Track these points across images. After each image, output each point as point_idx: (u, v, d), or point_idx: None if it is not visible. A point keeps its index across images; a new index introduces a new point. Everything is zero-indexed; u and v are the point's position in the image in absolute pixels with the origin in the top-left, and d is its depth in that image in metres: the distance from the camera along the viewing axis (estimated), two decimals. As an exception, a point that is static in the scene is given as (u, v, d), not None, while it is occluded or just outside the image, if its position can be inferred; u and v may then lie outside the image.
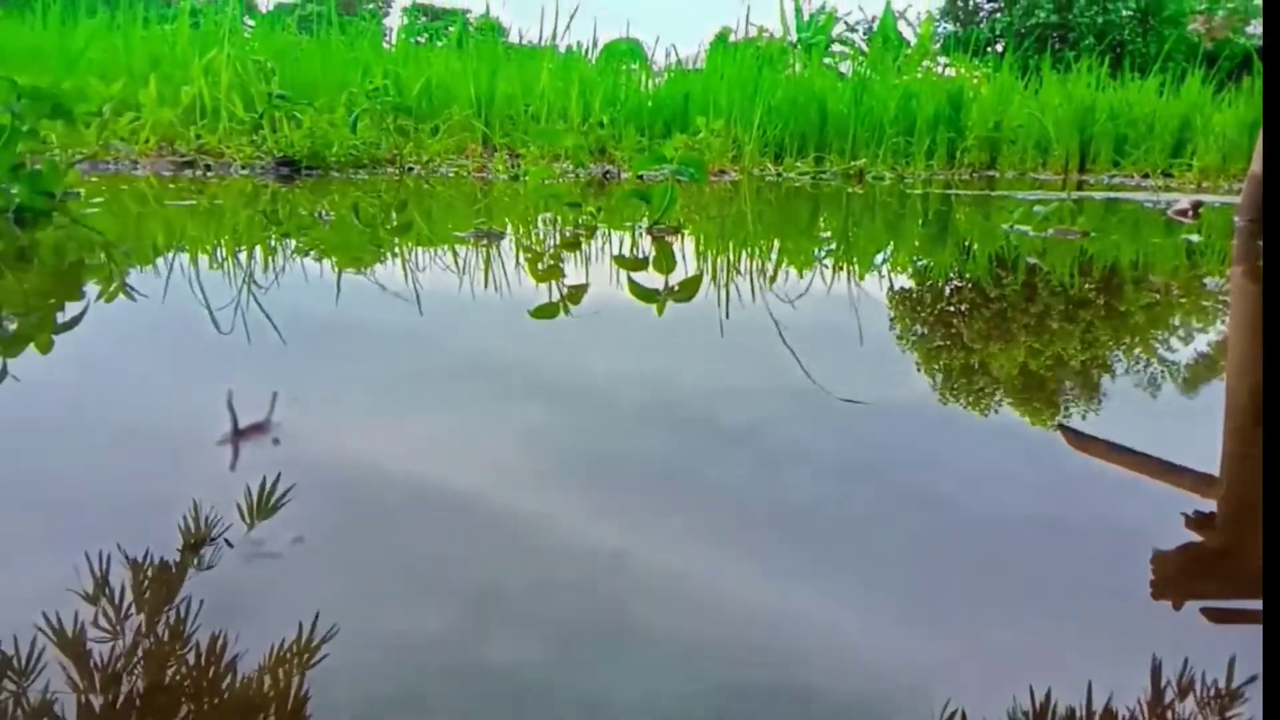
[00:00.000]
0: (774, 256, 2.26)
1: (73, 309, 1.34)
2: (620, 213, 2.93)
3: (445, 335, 1.33)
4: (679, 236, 2.36)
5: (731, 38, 6.88)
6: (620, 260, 2.00)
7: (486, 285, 1.64)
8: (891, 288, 1.86)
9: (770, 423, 0.95)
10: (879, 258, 2.36)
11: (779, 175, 5.24)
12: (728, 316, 1.46)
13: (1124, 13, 12.67)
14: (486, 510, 0.70)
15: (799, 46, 7.51)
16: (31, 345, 1.12)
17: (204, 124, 4.23)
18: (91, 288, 1.49)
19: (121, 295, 1.43)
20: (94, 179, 3.18)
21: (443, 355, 1.20)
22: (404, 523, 0.68)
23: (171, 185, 3.18)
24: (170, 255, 1.87)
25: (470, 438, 0.88)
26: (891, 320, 1.55)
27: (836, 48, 8.54)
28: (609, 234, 2.40)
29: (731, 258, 2.19)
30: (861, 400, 1.03)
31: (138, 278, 1.59)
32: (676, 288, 1.68)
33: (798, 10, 8.07)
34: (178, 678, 0.49)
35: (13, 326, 1.23)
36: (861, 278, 1.96)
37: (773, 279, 1.88)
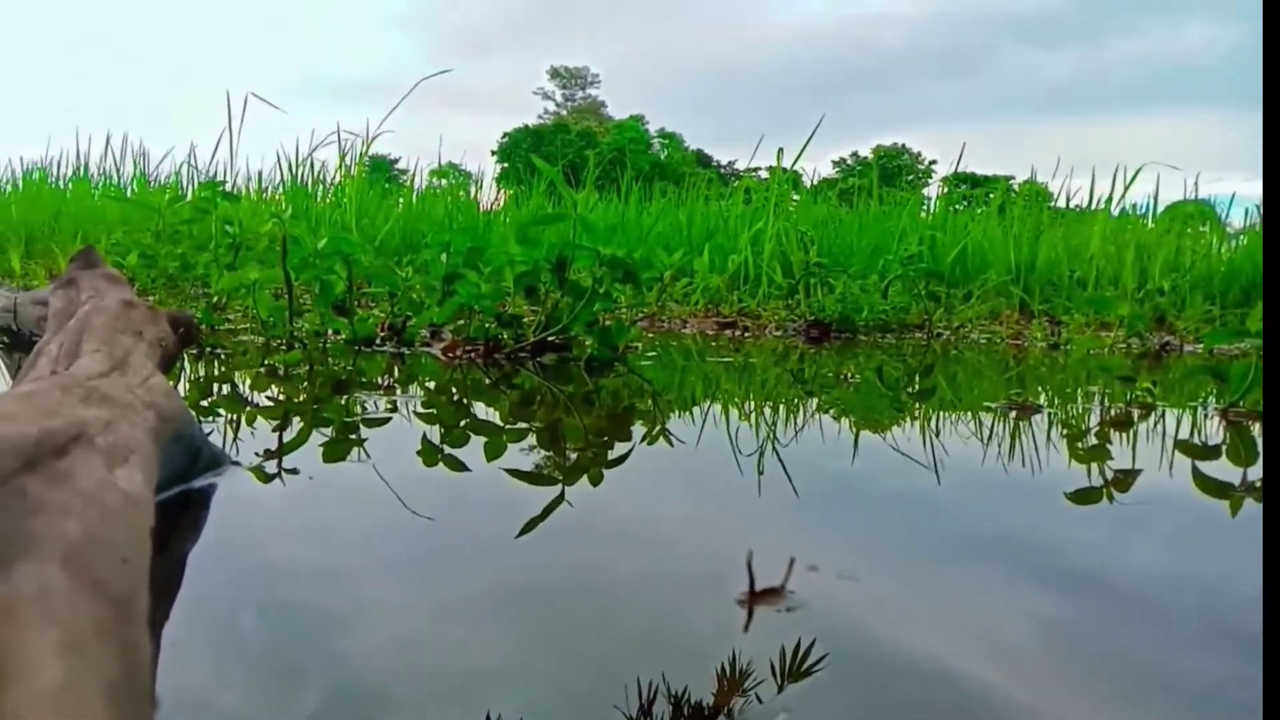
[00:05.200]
0: None
1: (621, 448, 1.47)
2: (1183, 390, 2.54)
3: (968, 510, 1.21)
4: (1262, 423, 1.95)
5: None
6: (1184, 446, 1.70)
7: (1017, 460, 1.48)
8: None
9: None
10: None
11: (1403, 355, 4.21)
12: (1341, 526, 1.13)
13: None
14: (1002, 708, 0.58)
15: None
16: (585, 476, 1.23)
17: (746, 289, 4.63)
18: (638, 429, 1.63)
19: (662, 440, 1.54)
20: (650, 335, 3.60)
21: (963, 532, 1.08)
22: (908, 706, 0.58)
23: (713, 343, 3.48)
24: (705, 406, 2.00)
25: (989, 624, 0.75)
26: None
27: None
28: (1168, 414, 2.08)
29: (1342, 453, 1.75)
30: None
31: (677, 424, 1.71)
32: (1259, 484, 1.36)
33: None
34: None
35: (574, 457, 1.38)
36: None
37: None
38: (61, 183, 7.30)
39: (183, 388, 1.81)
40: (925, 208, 6.22)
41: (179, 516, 0.93)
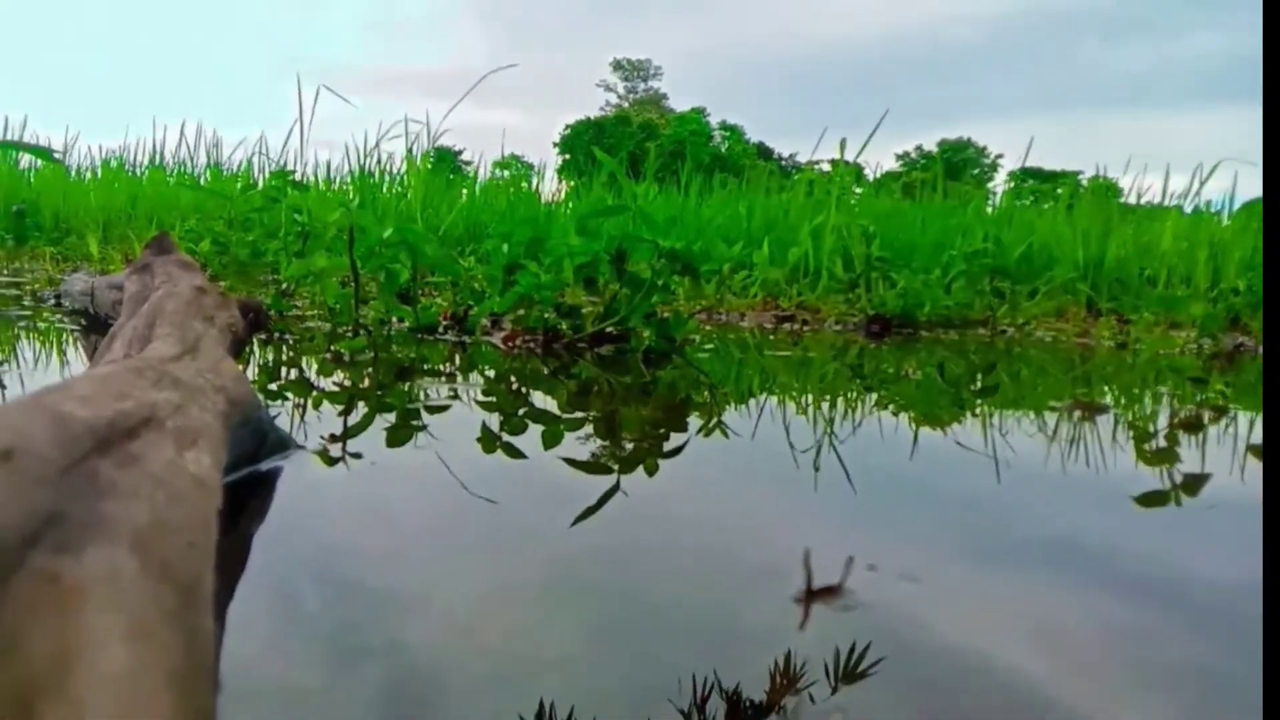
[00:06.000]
0: None
1: (677, 439, 1.47)
2: (1258, 393, 2.46)
3: (1032, 511, 1.18)
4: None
5: None
6: (1258, 450, 1.64)
7: (1082, 461, 1.44)
8: None
9: None
10: None
11: None
12: None
13: None
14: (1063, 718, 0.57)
15: None
16: (640, 467, 1.24)
17: (805, 282, 4.59)
18: (694, 421, 1.62)
19: (718, 432, 1.53)
20: (708, 328, 3.59)
21: (1027, 533, 1.06)
22: (968, 712, 0.57)
23: (771, 336, 3.46)
24: (762, 399, 1.99)
25: (1052, 629, 0.74)
26: None
27: None
28: (1240, 417, 2.01)
29: None
30: None
31: (733, 417, 1.70)
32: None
33: None
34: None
35: (629, 448, 1.38)
36: None
37: None
38: (138, 171, 7.53)
39: (252, 372, 1.85)
40: (990, 202, 6.11)
41: (246, 499, 0.95)
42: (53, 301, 2.86)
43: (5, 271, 4.09)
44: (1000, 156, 41.60)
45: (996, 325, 4.02)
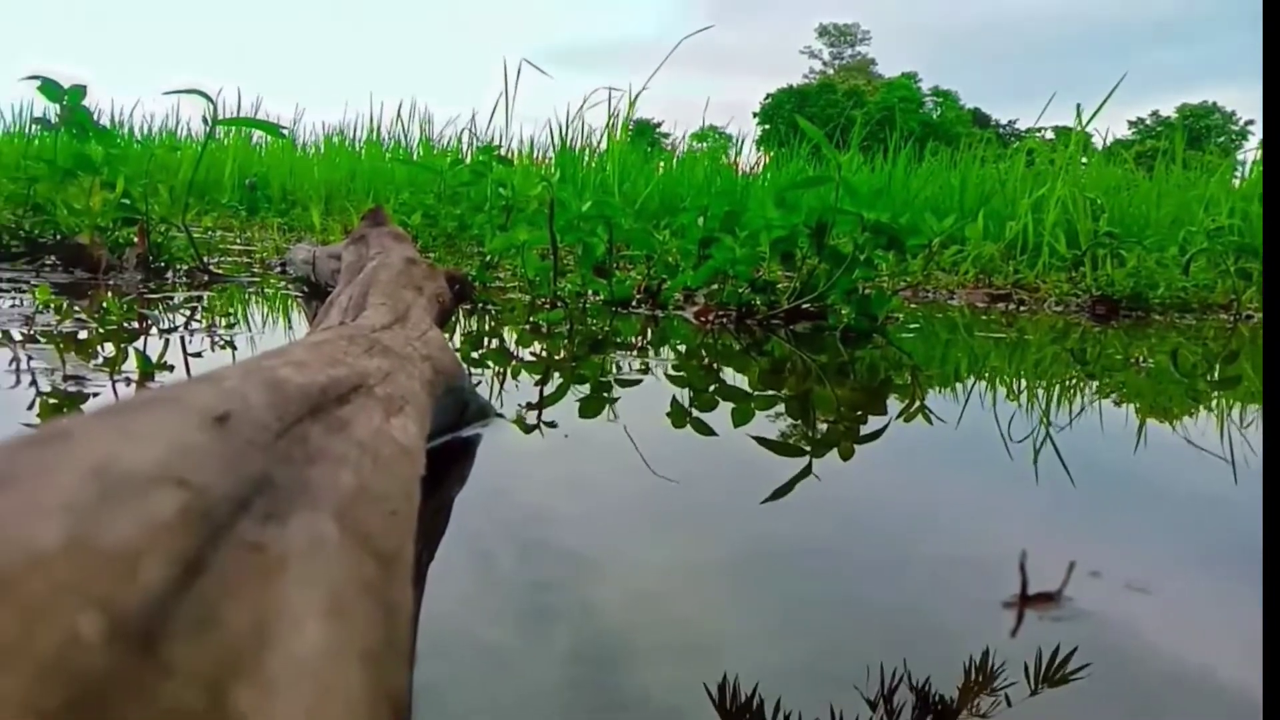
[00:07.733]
0: None
1: (875, 423, 1.40)
2: None
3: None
4: None
5: None
6: None
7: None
8: None
9: None
10: None
11: None
12: None
13: None
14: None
15: None
16: (835, 450, 1.19)
17: (1023, 259, 4.31)
18: (894, 405, 1.55)
19: (920, 417, 1.46)
20: (913, 305, 3.44)
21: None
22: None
23: (983, 316, 3.27)
24: (970, 383, 1.88)
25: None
26: None
27: None
28: None
29: None
30: None
31: (937, 401, 1.61)
32: None
33: None
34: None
35: (823, 429, 1.34)
36: None
37: None
38: (357, 146, 8.05)
39: (456, 341, 1.93)
40: (1238, 173, 5.51)
41: (447, 465, 0.98)
42: (279, 269, 3.09)
43: (238, 240, 4.47)
44: (1250, 122, 37.53)
45: (1241, 310, 3.63)
